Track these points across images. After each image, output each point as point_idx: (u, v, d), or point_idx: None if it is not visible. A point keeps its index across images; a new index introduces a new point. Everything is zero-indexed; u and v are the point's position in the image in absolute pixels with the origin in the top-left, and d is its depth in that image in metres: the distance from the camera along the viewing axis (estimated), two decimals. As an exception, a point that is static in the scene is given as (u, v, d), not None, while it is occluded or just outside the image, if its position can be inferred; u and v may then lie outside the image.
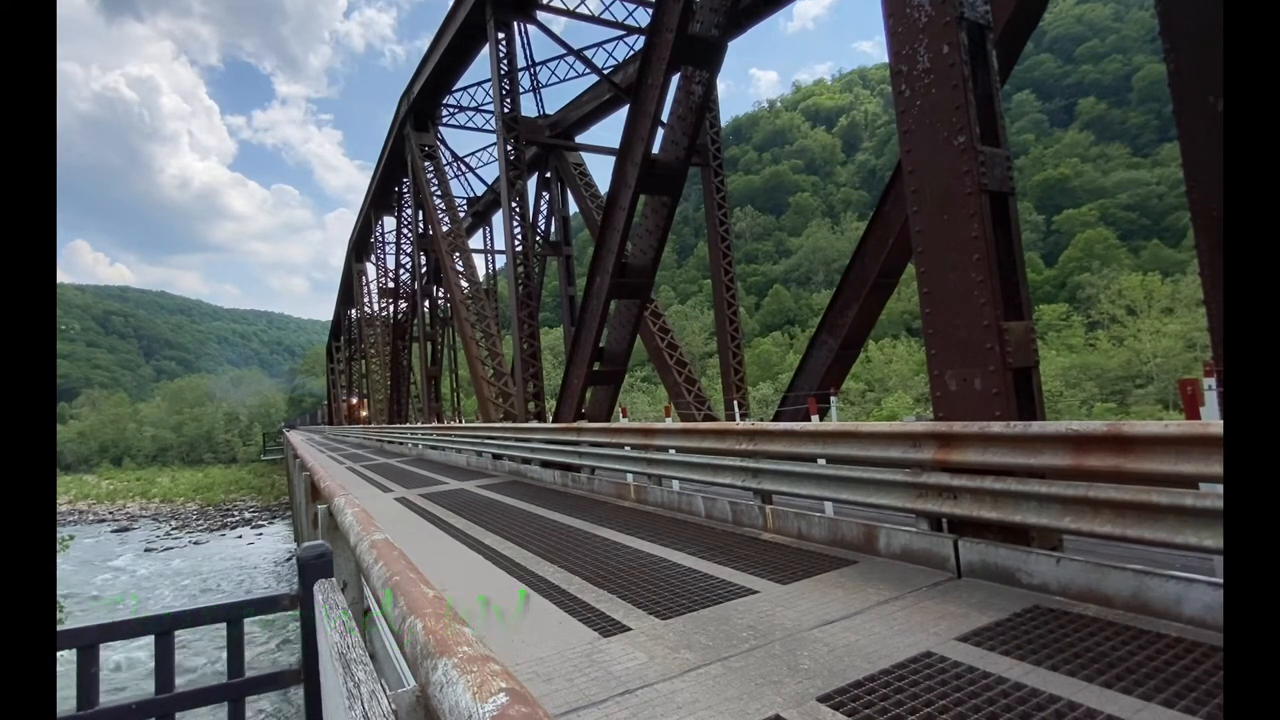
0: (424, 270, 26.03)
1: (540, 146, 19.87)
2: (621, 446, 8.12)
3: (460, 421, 28.20)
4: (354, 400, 46.94)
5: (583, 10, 15.38)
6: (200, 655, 16.59)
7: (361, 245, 37.71)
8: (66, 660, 2.34)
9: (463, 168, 26.76)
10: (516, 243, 14.69)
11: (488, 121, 22.50)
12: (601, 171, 16.93)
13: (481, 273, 23.42)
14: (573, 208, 21.41)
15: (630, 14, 16.33)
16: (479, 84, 21.50)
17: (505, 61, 14.27)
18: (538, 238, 21.55)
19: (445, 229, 19.76)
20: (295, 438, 39.33)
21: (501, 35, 14.32)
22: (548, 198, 22.24)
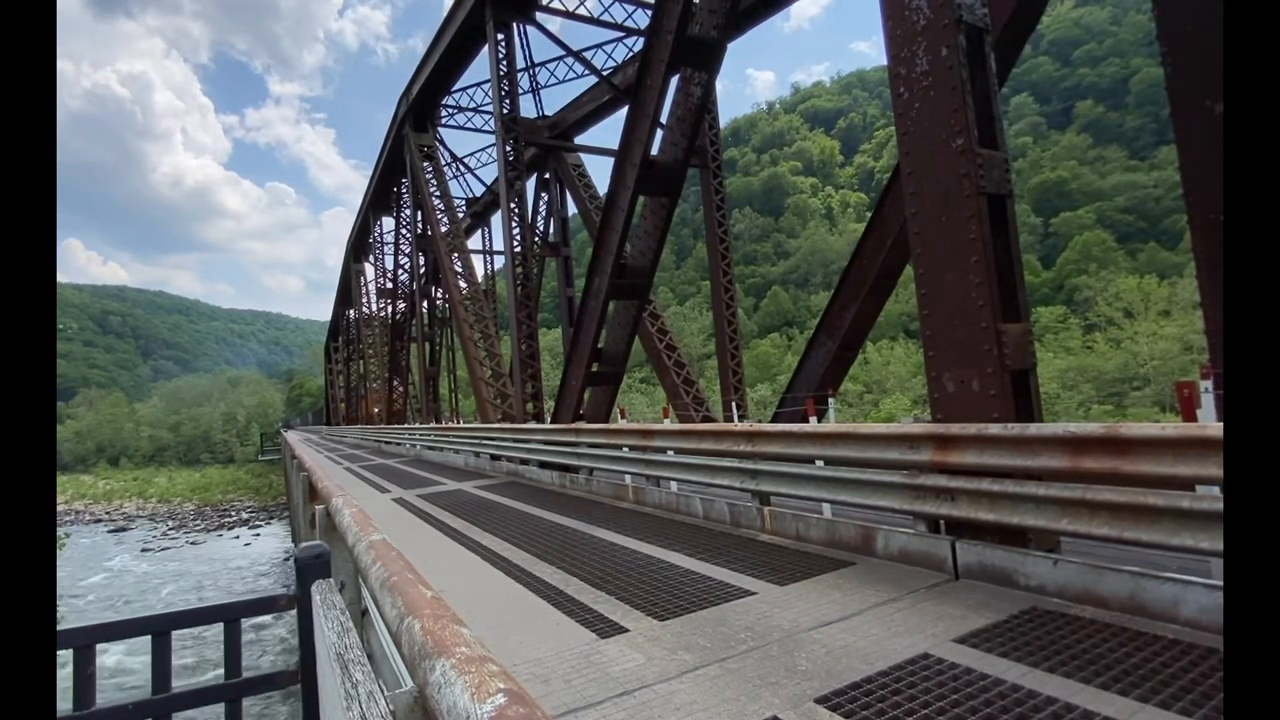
0: (422, 271, 26.01)
1: (539, 147, 19.88)
2: (620, 447, 8.11)
3: (458, 422, 28.18)
4: (352, 400, 46.88)
5: (582, 11, 15.40)
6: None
7: (360, 245, 37.69)
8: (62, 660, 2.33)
9: (461, 168, 26.77)
10: (515, 243, 14.68)
11: (487, 122, 22.51)
12: (600, 172, 16.96)
13: (480, 273, 23.41)
14: (571, 208, 21.41)
15: (629, 15, 16.34)
16: (478, 85, 21.51)
17: (504, 62, 14.27)
18: (536, 238, 21.54)
19: (444, 229, 19.76)
20: (293, 438, 39.28)
21: (501, 36, 14.32)
22: (546, 198, 22.23)
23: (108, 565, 32.71)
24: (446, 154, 24.66)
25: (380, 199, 30.23)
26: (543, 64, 17.73)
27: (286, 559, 29.70)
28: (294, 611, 2.90)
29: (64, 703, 2.13)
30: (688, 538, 5.68)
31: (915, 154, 4.74)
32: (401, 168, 23.62)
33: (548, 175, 21.67)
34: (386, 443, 25.64)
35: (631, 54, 17.00)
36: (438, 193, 20.40)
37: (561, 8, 15.05)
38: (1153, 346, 43.91)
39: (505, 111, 14.19)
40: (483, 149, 27.14)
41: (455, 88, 20.60)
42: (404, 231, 28.58)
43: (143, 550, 36.85)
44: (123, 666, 16.82)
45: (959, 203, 4.43)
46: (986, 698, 2.48)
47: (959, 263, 4.43)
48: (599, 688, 2.84)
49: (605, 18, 16.15)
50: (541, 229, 22.38)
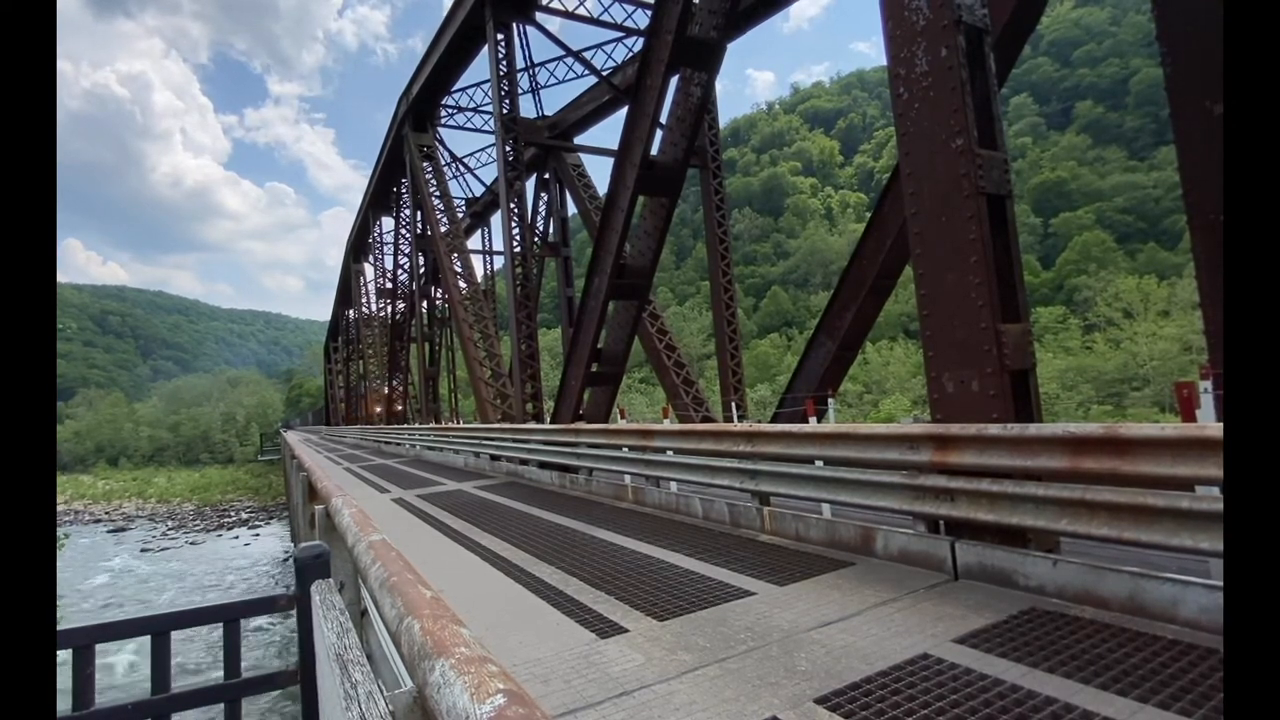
0: (422, 271, 26.01)
1: (539, 147, 19.88)
2: (619, 448, 8.11)
3: (458, 422, 28.19)
4: (352, 401, 46.88)
5: (582, 11, 15.41)
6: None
7: (360, 245, 37.68)
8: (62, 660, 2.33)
9: (461, 168, 26.78)
10: (515, 243, 14.69)
11: (486, 122, 22.51)
12: (600, 173, 16.93)
13: (480, 273, 23.43)
14: (571, 209, 21.41)
15: (629, 15, 16.35)
16: (478, 85, 21.52)
17: (504, 62, 14.27)
18: (536, 239, 21.55)
19: (444, 229, 19.76)
20: (292, 438, 39.27)
21: (500, 36, 14.33)
22: (546, 199, 22.23)
23: (107, 566, 32.66)
24: (446, 154, 24.67)
25: (380, 199, 30.23)
26: (542, 64, 17.74)
27: (286, 559, 29.69)
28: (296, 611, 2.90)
29: (63, 703, 2.13)
30: (687, 538, 5.68)
31: (915, 154, 4.74)
32: (401, 168, 23.62)
33: (547, 175, 21.67)
34: (386, 443, 25.63)
35: (631, 54, 17.01)
36: (437, 193, 20.40)
37: (561, 8, 15.06)
38: (1152, 347, 43.93)
39: (505, 111, 14.19)
40: (482, 149, 27.16)
41: (455, 88, 20.61)
42: (404, 231, 28.60)
43: (142, 550, 36.80)
44: (137, 668, 16.84)
45: (959, 203, 4.44)
46: (986, 698, 2.48)
47: (959, 263, 4.43)
48: (598, 688, 2.84)
49: (605, 18, 16.16)
50: (541, 229, 22.38)
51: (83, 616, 21.95)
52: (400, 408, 32.26)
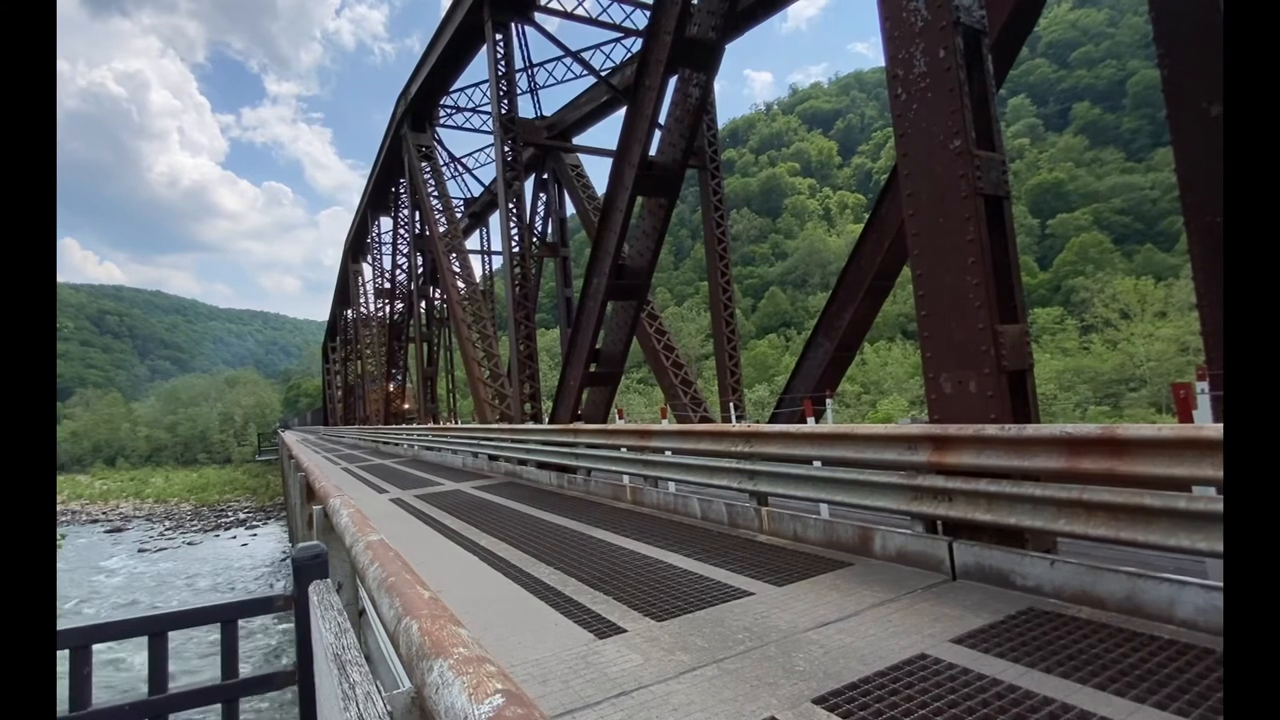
0: (421, 271, 26.00)
1: (538, 148, 19.88)
2: (618, 448, 8.11)
3: (456, 422, 28.17)
4: (350, 401, 46.82)
5: (580, 12, 15.41)
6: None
7: (358, 246, 37.67)
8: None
9: (460, 168, 26.77)
10: (513, 244, 14.69)
11: (485, 122, 22.50)
12: (599, 173, 16.98)
13: (478, 274, 23.40)
14: (570, 209, 21.42)
15: (628, 16, 16.36)
16: (476, 85, 21.51)
17: (503, 63, 14.28)
18: (535, 239, 21.55)
19: (442, 229, 19.76)
20: (290, 438, 39.18)
21: (499, 36, 14.33)
22: (545, 199, 22.24)
23: (105, 566, 32.58)
24: (445, 154, 24.66)
25: (378, 199, 30.22)
26: (541, 64, 17.74)
27: (284, 559, 29.62)
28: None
29: (60, 704, 2.12)
30: (685, 538, 5.68)
31: (913, 155, 4.75)
32: (400, 168, 23.62)
33: (546, 175, 21.68)
34: (384, 443, 25.60)
35: (630, 55, 17.01)
36: (436, 193, 20.40)
37: (560, 8, 15.06)
38: (1149, 348, 44.01)
39: (504, 112, 14.19)
40: (481, 149, 27.15)
41: (453, 88, 20.61)
42: (402, 231, 28.60)
43: (139, 550, 36.68)
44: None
45: (956, 204, 4.44)
46: (984, 698, 2.48)
47: (956, 264, 4.44)
48: (597, 688, 2.84)
49: (604, 18, 16.16)
50: (540, 229, 22.38)
51: (81, 620, 21.85)
52: (406, 405, 32.30)
